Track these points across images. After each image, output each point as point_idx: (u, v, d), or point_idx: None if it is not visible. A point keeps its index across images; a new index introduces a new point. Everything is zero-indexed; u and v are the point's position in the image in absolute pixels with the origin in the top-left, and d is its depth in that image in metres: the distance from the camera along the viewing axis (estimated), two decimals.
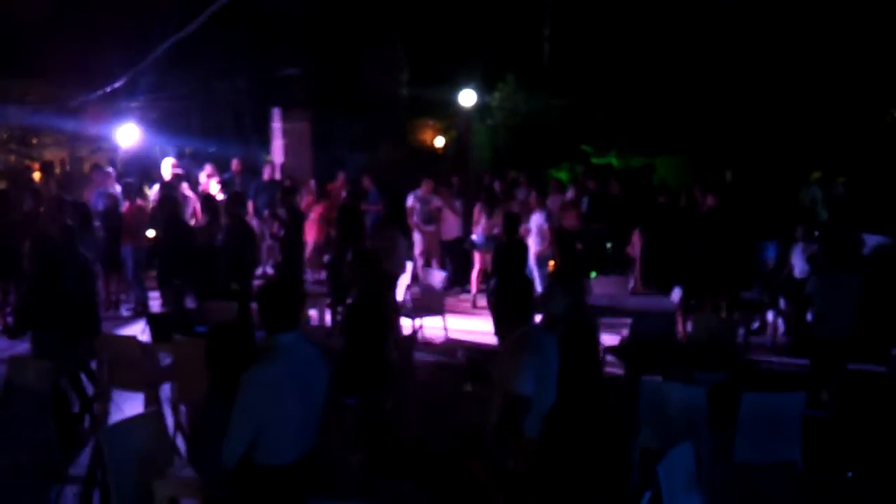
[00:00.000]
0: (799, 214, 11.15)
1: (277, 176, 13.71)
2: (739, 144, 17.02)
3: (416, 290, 9.88)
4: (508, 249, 8.38)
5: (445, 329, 9.20)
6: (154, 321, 7.10)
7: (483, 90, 18.55)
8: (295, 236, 9.47)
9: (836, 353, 6.85)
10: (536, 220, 10.34)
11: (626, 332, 7.34)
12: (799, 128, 16.74)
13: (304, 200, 11.61)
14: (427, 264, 11.58)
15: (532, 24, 21.16)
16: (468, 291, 11.36)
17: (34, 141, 16.81)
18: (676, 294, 8.36)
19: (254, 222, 11.39)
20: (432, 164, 18.55)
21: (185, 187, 11.66)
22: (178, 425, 5.79)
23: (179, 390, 5.99)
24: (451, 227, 12.11)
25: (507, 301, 4.35)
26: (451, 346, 8.86)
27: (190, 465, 4.18)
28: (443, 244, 12.05)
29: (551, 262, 9.58)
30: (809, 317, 7.52)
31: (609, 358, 7.06)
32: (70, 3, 16.46)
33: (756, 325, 9.65)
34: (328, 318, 9.07)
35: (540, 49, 21.54)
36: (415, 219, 11.63)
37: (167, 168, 12.05)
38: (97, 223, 10.04)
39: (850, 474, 4.15)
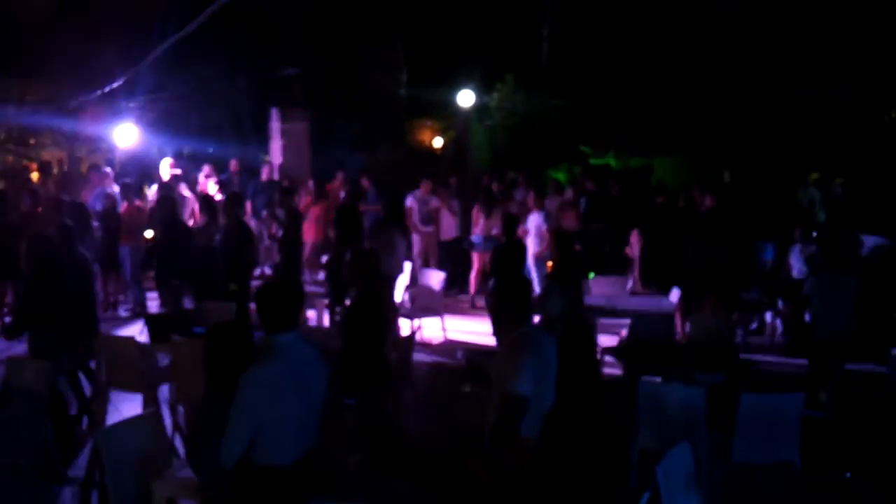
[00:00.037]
0: (797, 215, 11.17)
1: (276, 176, 13.70)
2: (738, 145, 17.04)
3: (414, 290, 9.88)
4: (507, 250, 8.38)
5: (444, 330, 9.20)
6: (152, 322, 7.10)
7: (481, 91, 18.56)
8: (293, 237, 9.47)
9: (834, 353, 6.86)
10: (535, 221, 10.35)
11: (624, 332, 7.34)
12: (797, 129, 16.75)
13: (302, 201, 11.61)
14: (425, 265, 11.57)
15: (531, 25, 21.16)
16: (466, 292, 11.36)
17: (32, 141, 16.78)
18: (675, 295, 8.36)
19: (252, 223, 11.39)
20: (431, 164, 18.55)
21: (182, 188, 11.66)
22: (176, 426, 5.78)
23: (178, 391, 5.98)
24: (449, 227, 12.11)
25: (505, 301, 4.34)
26: (450, 347, 8.86)
27: (188, 466, 4.18)
28: (441, 245, 12.05)
29: (549, 263, 9.58)
30: (808, 317, 7.53)
31: (608, 358, 7.06)
32: (69, 4, 16.44)
33: (755, 325, 9.67)
34: (326, 318, 9.07)
35: (538, 49, 21.54)
36: (414, 219, 11.63)
37: (165, 169, 12.04)
38: (95, 223, 10.03)
39: (848, 475, 4.15)
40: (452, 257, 12.01)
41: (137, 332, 7.58)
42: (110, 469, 4.11)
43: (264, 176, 13.25)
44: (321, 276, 10.58)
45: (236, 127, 20.05)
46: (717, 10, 17.30)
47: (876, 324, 7.83)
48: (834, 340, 6.87)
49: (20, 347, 7.20)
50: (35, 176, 13.95)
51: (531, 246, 9.97)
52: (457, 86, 16.25)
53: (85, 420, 6.48)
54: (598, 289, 8.85)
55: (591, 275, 9.57)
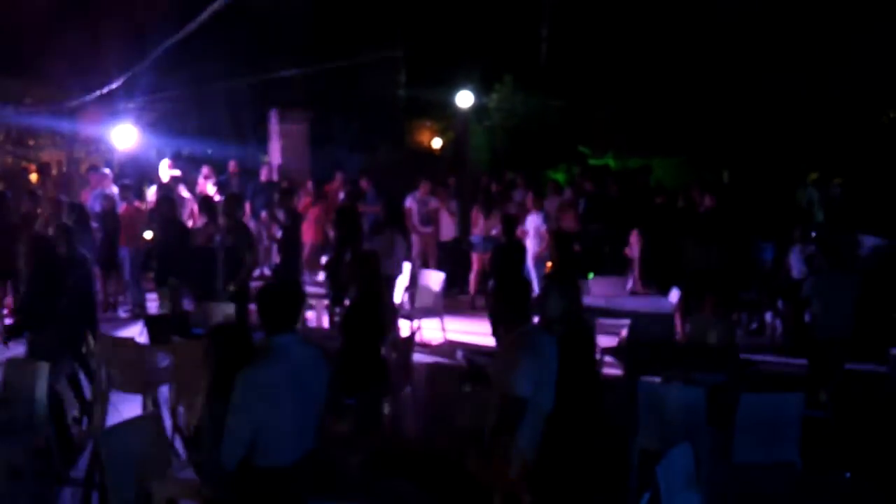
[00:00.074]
0: (796, 215, 11.17)
1: (275, 177, 13.71)
2: (736, 145, 17.05)
3: (414, 291, 9.88)
4: (507, 251, 8.38)
5: (444, 330, 9.20)
6: (152, 323, 7.10)
7: (480, 91, 18.54)
8: (293, 238, 9.47)
9: (834, 353, 6.86)
10: (534, 222, 10.35)
11: (624, 332, 7.34)
12: (796, 129, 16.76)
13: (301, 202, 11.60)
14: (424, 265, 11.57)
15: (529, 25, 21.17)
16: (466, 293, 11.36)
17: (31, 142, 16.79)
18: (675, 295, 8.37)
19: (251, 224, 11.38)
20: (430, 165, 18.55)
21: (182, 189, 11.66)
22: (176, 427, 5.78)
23: (177, 392, 5.98)
24: (448, 228, 12.11)
25: (504, 302, 4.35)
26: (450, 348, 8.86)
27: (189, 467, 4.18)
28: (440, 245, 12.05)
29: (549, 264, 9.58)
30: (807, 317, 7.53)
31: (608, 359, 7.06)
32: (68, 5, 16.43)
33: (754, 325, 9.67)
34: (326, 319, 9.06)
35: (537, 50, 21.54)
36: (413, 220, 11.63)
37: (164, 170, 12.05)
38: (94, 224, 10.03)
39: (848, 475, 4.15)
40: (451, 258, 12.01)
41: (137, 333, 7.58)
42: (110, 470, 4.11)
43: (263, 177, 13.24)
44: (320, 276, 10.58)
45: (235, 128, 20.06)
46: (717, 10, 17.30)
47: (876, 324, 7.84)
48: (834, 340, 6.87)
49: (20, 349, 7.20)
50: (34, 177, 13.95)
51: (530, 247, 9.97)
52: (456, 86, 16.22)
53: (85, 421, 6.48)
54: (598, 289, 8.85)
55: (591, 275, 9.58)
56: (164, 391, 6.30)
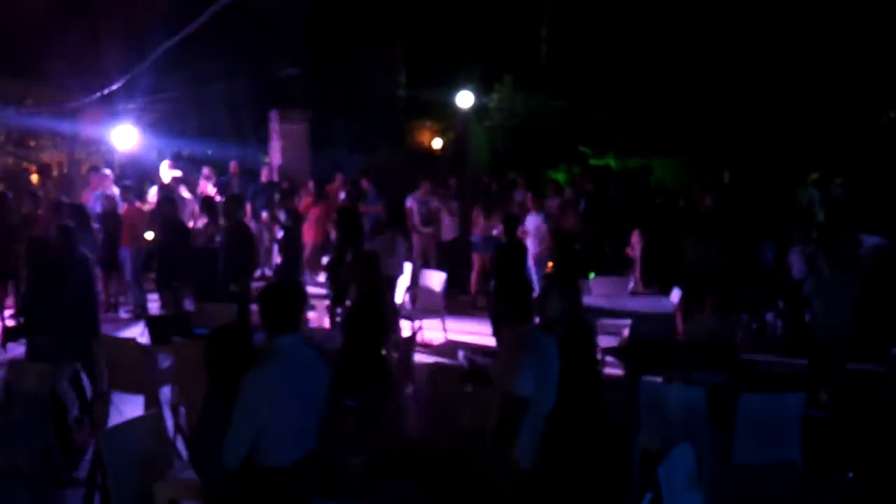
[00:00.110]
0: (797, 215, 11.17)
1: (275, 178, 13.71)
2: (737, 145, 17.05)
3: (415, 291, 9.89)
4: (508, 251, 8.39)
5: (445, 330, 9.20)
6: (153, 323, 7.10)
7: (481, 91, 18.54)
8: (294, 238, 9.47)
9: (834, 353, 6.86)
10: (534, 222, 10.35)
11: (625, 333, 7.34)
12: (796, 129, 16.76)
13: (302, 202, 11.61)
14: (425, 265, 11.58)
15: (529, 26, 21.18)
16: (467, 293, 11.36)
17: (32, 143, 16.80)
18: (676, 295, 8.37)
19: (251, 224, 11.39)
20: (430, 165, 18.56)
21: (182, 189, 11.66)
22: (177, 427, 5.78)
23: (179, 392, 5.99)
24: (448, 228, 12.12)
25: (505, 302, 4.35)
26: (451, 348, 8.86)
27: (190, 468, 4.18)
28: (440, 245, 12.06)
29: (550, 264, 9.58)
30: (808, 317, 7.53)
31: (609, 359, 7.07)
32: (68, 6, 16.44)
33: (755, 325, 9.67)
34: (327, 319, 9.06)
35: (537, 50, 21.56)
36: (414, 220, 11.63)
37: (165, 172, 12.05)
38: (96, 225, 10.03)
39: (850, 475, 4.16)
40: (452, 258, 12.02)
41: (138, 333, 7.58)
42: (112, 470, 4.12)
43: (264, 177, 13.25)
44: (321, 277, 10.59)
45: (235, 128, 20.06)
46: (717, 10, 17.31)
47: (876, 324, 7.83)
48: (834, 340, 6.88)
49: (20, 350, 7.21)
50: (35, 178, 13.96)
51: (531, 247, 9.98)
52: (456, 87, 16.21)
53: (86, 421, 6.48)
54: (599, 289, 8.85)
55: (592, 275, 9.58)
56: (166, 391, 6.30)
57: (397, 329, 6.89)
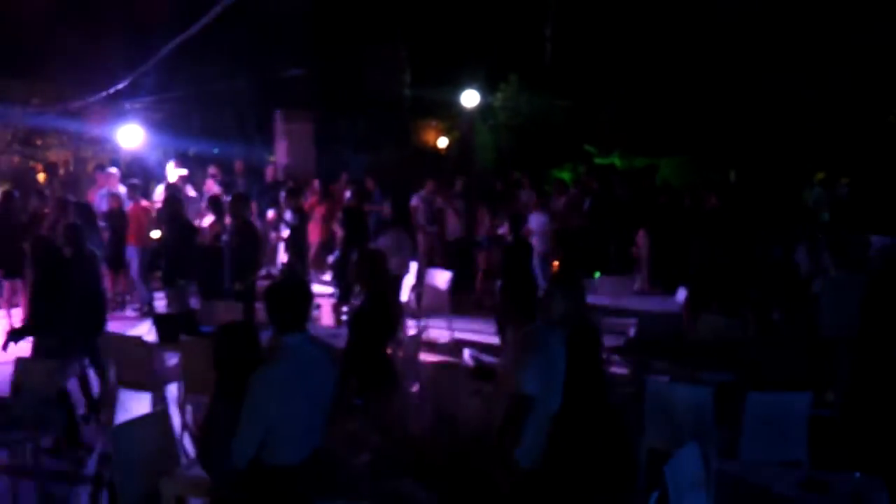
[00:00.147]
0: (803, 215, 11.15)
1: (280, 177, 13.74)
2: (743, 145, 17.01)
3: (420, 290, 9.89)
4: (514, 249, 8.39)
5: (450, 329, 9.20)
6: (160, 321, 7.12)
7: (486, 91, 18.56)
8: (300, 237, 9.49)
9: (842, 352, 6.84)
10: (539, 221, 10.34)
11: (631, 332, 7.33)
12: (803, 128, 16.73)
13: (307, 201, 11.62)
14: (430, 264, 11.59)
15: (534, 25, 21.16)
16: (472, 291, 11.35)
17: (38, 142, 16.83)
18: (682, 294, 8.36)
19: (257, 223, 11.40)
20: (435, 164, 18.57)
21: (189, 188, 11.69)
22: (184, 425, 5.80)
23: (186, 390, 6.00)
24: (453, 227, 12.12)
25: (512, 300, 4.35)
26: (456, 346, 8.86)
27: (197, 465, 4.19)
28: (445, 244, 12.06)
29: (555, 263, 9.58)
30: (816, 317, 7.50)
31: (615, 358, 7.06)
32: (74, 5, 16.48)
33: (762, 324, 9.63)
34: (332, 318, 9.07)
35: (542, 49, 21.54)
36: (419, 219, 11.64)
37: (172, 171, 12.08)
38: (102, 224, 10.06)
39: (857, 474, 4.14)
40: (457, 257, 12.02)
41: (145, 331, 7.60)
42: (119, 468, 4.13)
43: (269, 177, 13.27)
44: (326, 276, 10.60)
45: (241, 128, 20.08)
46: (723, 10, 17.28)
47: (884, 323, 7.80)
48: (841, 340, 6.85)
49: (26, 348, 7.23)
50: (42, 176, 14.00)
51: (536, 246, 9.97)
52: (461, 86, 16.24)
53: (93, 419, 6.50)
54: (605, 289, 8.84)
55: (597, 274, 9.58)
56: (173, 389, 6.31)
57: (403, 328, 6.90)
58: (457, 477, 4.39)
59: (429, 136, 22.59)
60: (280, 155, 16.19)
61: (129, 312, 10.47)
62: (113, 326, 8.04)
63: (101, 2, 16.85)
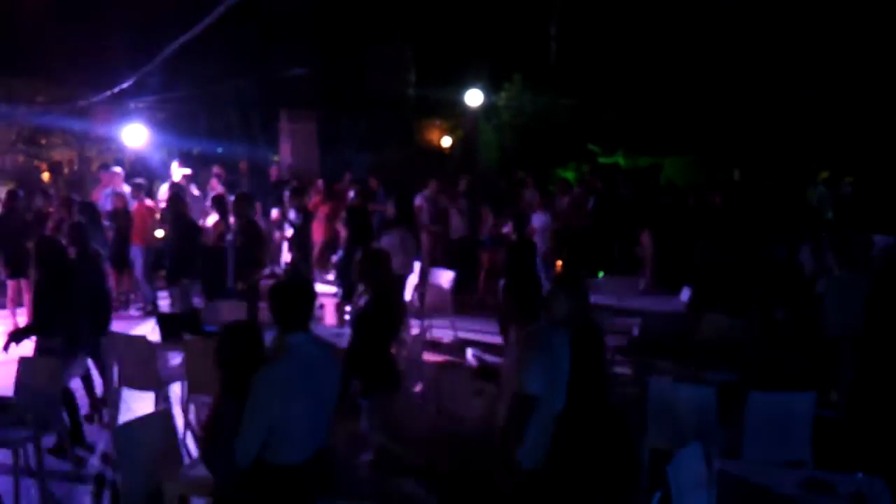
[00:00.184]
0: (807, 214, 11.12)
1: (284, 176, 13.75)
2: (747, 144, 16.99)
3: (424, 289, 9.89)
4: (518, 248, 8.38)
5: (454, 329, 9.20)
6: (163, 320, 7.12)
7: (490, 90, 18.57)
8: (304, 236, 9.49)
9: (846, 352, 6.82)
10: (542, 220, 10.33)
11: (635, 331, 7.33)
12: (806, 128, 16.70)
13: (311, 200, 11.63)
14: (434, 264, 11.58)
15: (538, 24, 21.16)
16: (475, 291, 11.35)
17: (43, 141, 16.90)
18: (686, 294, 8.35)
19: (261, 223, 11.41)
20: (439, 163, 18.57)
21: (193, 188, 11.71)
22: (187, 424, 5.81)
23: (189, 389, 6.01)
24: (457, 226, 12.12)
25: (515, 299, 4.35)
26: (459, 346, 8.86)
27: (201, 465, 4.19)
28: (449, 244, 12.06)
29: (559, 263, 9.56)
30: (819, 316, 7.49)
31: (618, 358, 7.05)
32: (78, 5, 16.52)
33: (765, 324, 9.62)
34: (335, 318, 9.08)
35: (546, 49, 21.54)
36: (423, 219, 11.64)
37: (176, 170, 12.10)
38: (106, 223, 10.08)
39: (860, 475, 4.13)
40: (461, 256, 12.02)
41: (149, 330, 7.61)
42: (122, 467, 4.14)
43: (273, 176, 13.28)
44: (330, 275, 10.61)
45: (245, 127, 20.12)
46: (728, 10, 17.25)
47: (887, 322, 7.78)
48: (845, 339, 6.84)
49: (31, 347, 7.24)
50: (46, 175, 14.04)
51: (539, 245, 9.96)
52: (465, 85, 16.26)
53: (97, 418, 6.52)
54: (609, 288, 8.83)
55: (601, 274, 9.57)
56: (176, 388, 6.32)
57: (406, 328, 6.90)
58: (459, 477, 4.39)
59: (432, 135, 22.60)
60: (284, 154, 16.21)
61: (133, 312, 10.49)
62: (116, 326, 8.05)
63: (106, 1, 16.89)
